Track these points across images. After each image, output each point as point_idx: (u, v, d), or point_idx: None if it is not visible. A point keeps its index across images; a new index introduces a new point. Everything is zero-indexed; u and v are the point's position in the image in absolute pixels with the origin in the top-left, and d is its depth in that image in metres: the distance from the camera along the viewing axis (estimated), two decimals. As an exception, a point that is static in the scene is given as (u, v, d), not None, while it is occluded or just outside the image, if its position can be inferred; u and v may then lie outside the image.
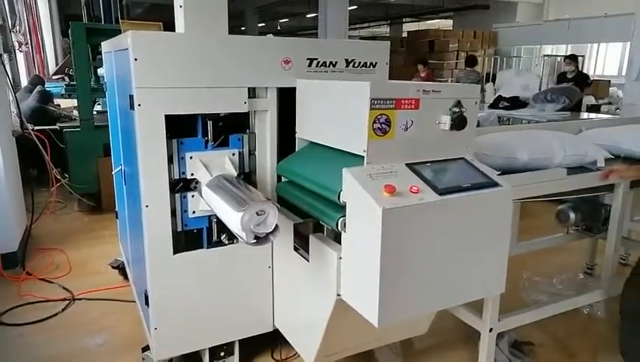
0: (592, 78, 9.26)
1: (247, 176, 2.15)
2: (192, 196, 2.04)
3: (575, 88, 6.71)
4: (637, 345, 1.77)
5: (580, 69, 7.93)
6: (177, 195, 2.02)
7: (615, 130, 2.68)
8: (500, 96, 7.72)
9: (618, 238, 2.56)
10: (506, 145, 2.18)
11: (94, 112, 4.83)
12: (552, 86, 7.77)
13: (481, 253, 1.72)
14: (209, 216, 2.08)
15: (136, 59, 1.79)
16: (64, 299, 2.99)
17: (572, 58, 7.52)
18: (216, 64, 1.93)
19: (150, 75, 1.83)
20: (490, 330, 2.19)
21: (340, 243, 1.69)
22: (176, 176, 2.00)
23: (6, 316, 2.82)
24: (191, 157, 2.01)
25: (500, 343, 2.33)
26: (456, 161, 1.78)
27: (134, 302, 2.61)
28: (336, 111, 1.79)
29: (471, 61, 8.53)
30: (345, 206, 1.61)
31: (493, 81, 8.36)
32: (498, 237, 1.76)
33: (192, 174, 2.02)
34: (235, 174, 2.04)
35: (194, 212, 2.06)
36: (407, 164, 1.66)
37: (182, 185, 2.02)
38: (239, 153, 2.11)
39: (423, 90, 1.67)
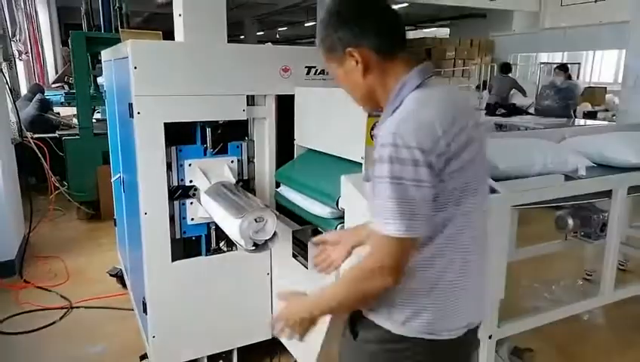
0: (589, 85, 9.33)
1: (245, 183, 2.15)
2: (191, 203, 2.04)
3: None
4: None
5: (576, 77, 7.97)
6: (176, 202, 2.02)
7: (598, 138, 2.69)
8: (497, 103, 7.75)
9: (616, 244, 2.56)
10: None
11: (93, 120, 4.84)
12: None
13: (480, 259, 1.72)
14: (208, 224, 2.08)
15: (135, 68, 1.81)
16: (62, 308, 2.98)
17: (562, 68, 7.54)
18: (215, 72, 1.94)
19: (149, 83, 1.84)
20: (490, 337, 2.18)
21: (338, 249, 1.69)
22: (175, 184, 2.01)
23: (4, 324, 2.80)
24: (190, 165, 2.01)
25: (499, 350, 2.32)
26: (454, 168, 1.79)
27: (133, 310, 2.60)
28: (334, 118, 1.80)
29: (505, 67, 8.48)
30: (343, 212, 1.62)
31: (490, 90, 8.39)
32: (496, 243, 1.76)
33: (191, 181, 2.02)
34: (234, 181, 2.05)
35: (192, 219, 2.06)
36: (405, 171, 1.67)
37: (181, 193, 2.03)
38: (238, 160, 2.12)
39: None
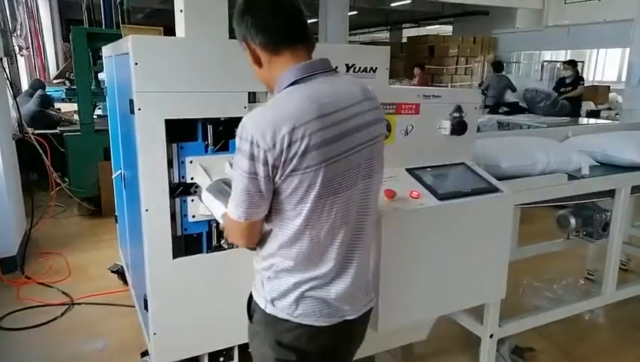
0: (593, 84, 9.32)
1: (247, 180, 2.14)
2: (192, 200, 2.03)
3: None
4: None
5: (579, 73, 7.94)
6: (177, 199, 2.01)
7: (601, 137, 2.68)
8: (499, 101, 7.72)
9: (619, 244, 2.56)
10: (489, 152, 2.14)
11: (95, 116, 4.83)
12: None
13: (482, 258, 1.71)
14: (209, 221, 2.08)
15: (136, 64, 1.79)
16: (63, 304, 2.98)
17: (570, 63, 7.51)
18: (216, 68, 1.92)
19: (150, 79, 1.83)
20: (491, 336, 2.18)
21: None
22: (176, 181, 2.00)
23: (5, 320, 2.81)
24: (191, 162, 2.00)
25: (500, 349, 2.32)
26: (457, 166, 1.78)
27: (134, 306, 2.59)
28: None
29: (499, 66, 8.37)
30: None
31: (485, 91, 8.33)
32: (499, 243, 1.75)
33: (192, 178, 2.01)
34: (235, 179, 2.04)
35: (194, 216, 2.05)
36: (407, 169, 1.66)
37: (182, 190, 2.02)
38: (239, 157, 2.11)
39: (424, 95, 1.67)
